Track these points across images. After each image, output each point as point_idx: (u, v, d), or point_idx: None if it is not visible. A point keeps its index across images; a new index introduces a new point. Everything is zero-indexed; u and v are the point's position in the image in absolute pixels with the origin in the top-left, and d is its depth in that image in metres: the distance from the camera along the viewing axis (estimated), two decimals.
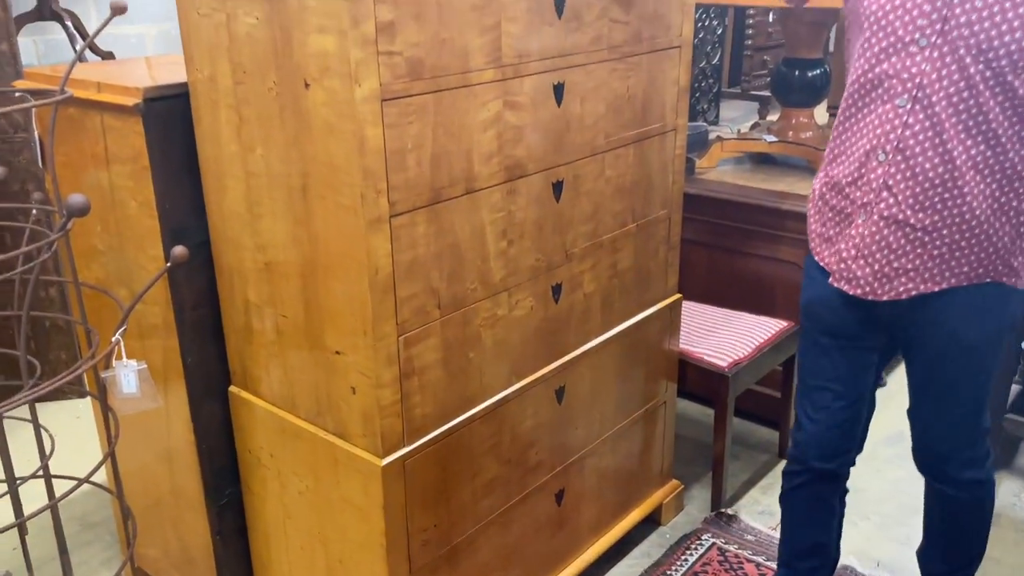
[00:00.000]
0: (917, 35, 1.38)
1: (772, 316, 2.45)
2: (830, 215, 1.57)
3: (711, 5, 3.32)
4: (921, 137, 1.40)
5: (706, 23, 3.41)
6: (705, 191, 2.65)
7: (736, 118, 3.73)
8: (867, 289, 1.52)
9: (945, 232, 1.44)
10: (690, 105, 2.28)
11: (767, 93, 3.72)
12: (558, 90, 1.61)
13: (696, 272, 2.68)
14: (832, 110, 3.15)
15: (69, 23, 3.27)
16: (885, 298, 1.52)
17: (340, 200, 1.35)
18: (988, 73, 1.35)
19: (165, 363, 1.72)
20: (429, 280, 1.47)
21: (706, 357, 2.21)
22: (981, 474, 1.65)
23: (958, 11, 1.34)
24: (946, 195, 1.42)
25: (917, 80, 1.39)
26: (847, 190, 1.52)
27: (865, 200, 1.48)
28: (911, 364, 1.64)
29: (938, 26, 1.36)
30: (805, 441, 1.73)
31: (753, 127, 3.21)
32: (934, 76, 1.38)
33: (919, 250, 1.46)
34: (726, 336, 2.30)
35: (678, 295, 2.14)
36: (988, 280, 1.48)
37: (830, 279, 1.57)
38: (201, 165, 1.57)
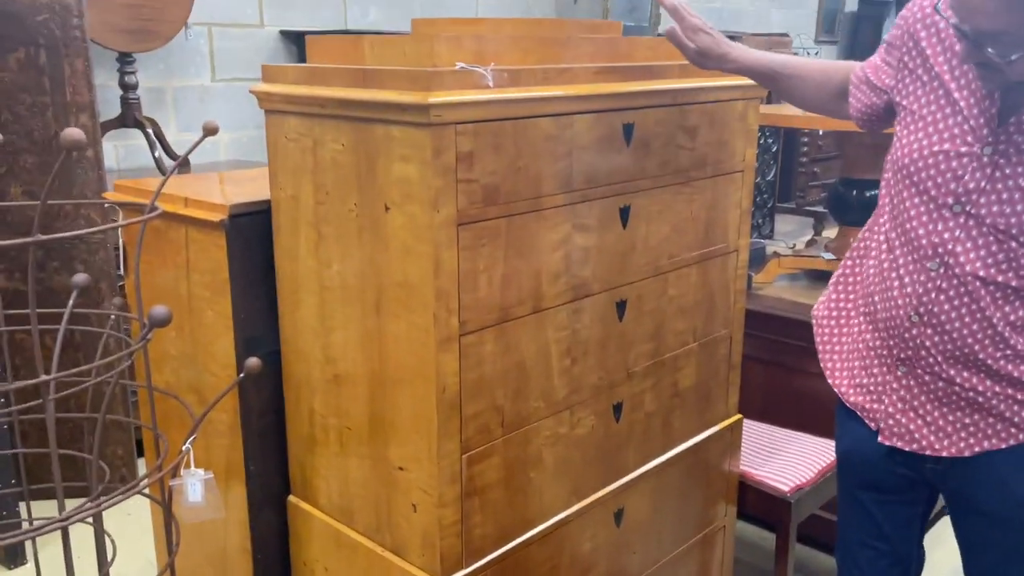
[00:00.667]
0: (951, 200, 1.29)
1: (833, 438, 2.38)
2: (874, 360, 1.46)
3: (767, 126, 3.39)
4: (956, 303, 1.31)
5: (761, 141, 3.48)
6: (763, 308, 2.64)
7: (790, 232, 3.75)
8: (923, 444, 1.41)
9: (998, 389, 1.33)
10: None
11: (821, 208, 3.74)
12: (624, 213, 1.64)
13: (754, 389, 2.64)
14: None
15: (150, 131, 3.46)
16: (945, 454, 1.39)
17: (412, 318, 1.38)
18: None
19: (227, 468, 1.73)
20: (494, 398, 1.47)
21: (768, 480, 2.15)
22: None
23: (999, 186, 1.25)
24: (987, 358, 1.32)
25: (949, 246, 1.30)
26: (886, 335, 1.42)
27: (904, 356, 1.39)
28: (963, 527, 1.48)
29: (975, 196, 1.27)
30: None
31: (809, 243, 3.22)
32: (969, 244, 1.28)
33: (974, 406, 1.36)
34: (788, 458, 2.25)
35: (739, 415, 2.11)
36: None
37: (879, 438, 1.47)
38: (277, 278, 1.62)
